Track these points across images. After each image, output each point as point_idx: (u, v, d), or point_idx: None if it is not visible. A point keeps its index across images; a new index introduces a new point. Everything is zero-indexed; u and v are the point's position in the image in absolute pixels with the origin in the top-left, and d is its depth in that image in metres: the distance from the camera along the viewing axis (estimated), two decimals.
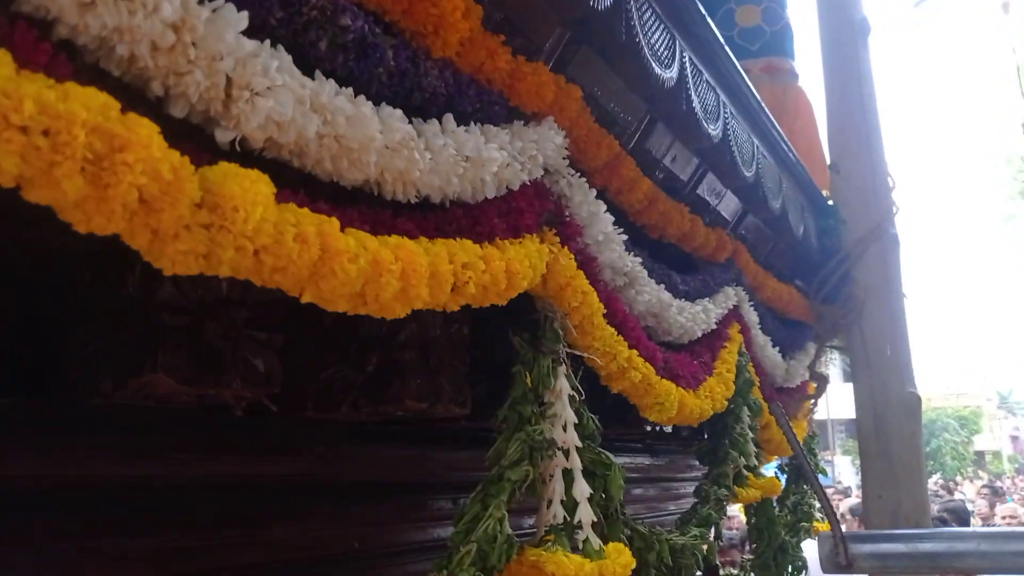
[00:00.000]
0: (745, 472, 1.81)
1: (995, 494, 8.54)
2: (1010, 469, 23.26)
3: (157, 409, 0.96)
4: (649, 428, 1.53)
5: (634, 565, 1.05)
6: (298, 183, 0.74)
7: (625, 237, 1.32)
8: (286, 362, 1.08)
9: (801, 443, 2.53)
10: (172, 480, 1.03)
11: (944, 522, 3.66)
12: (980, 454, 27.72)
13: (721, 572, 2.80)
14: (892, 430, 2.18)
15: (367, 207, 0.81)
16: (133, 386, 0.75)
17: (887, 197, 2.38)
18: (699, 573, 2.53)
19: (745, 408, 1.84)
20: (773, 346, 2.19)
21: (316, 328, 1.08)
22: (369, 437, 1.31)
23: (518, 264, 0.96)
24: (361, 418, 1.08)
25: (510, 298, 0.99)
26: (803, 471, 1.05)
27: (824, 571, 1.00)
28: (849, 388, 2.40)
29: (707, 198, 1.75)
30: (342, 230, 0.72)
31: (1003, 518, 6.40)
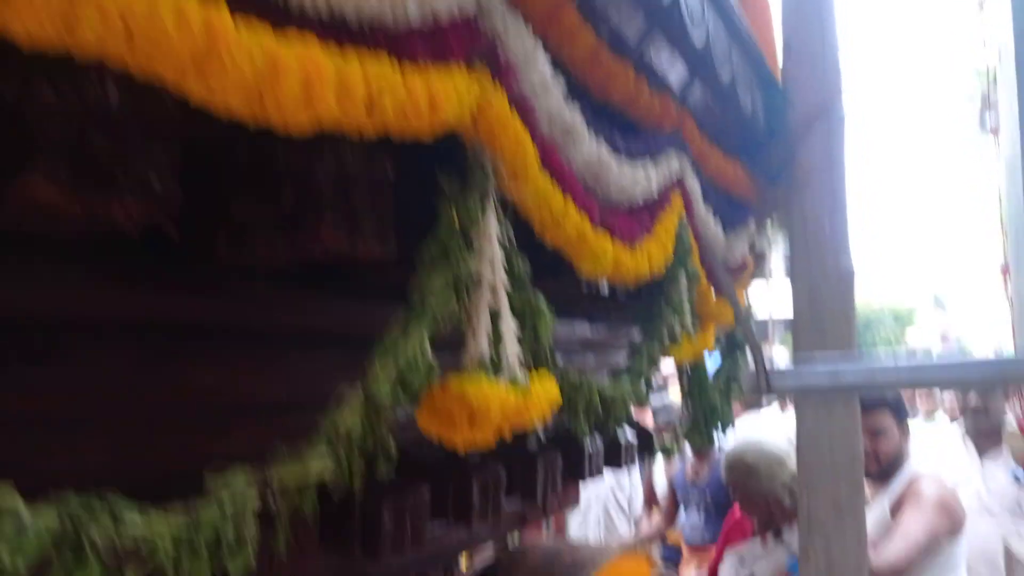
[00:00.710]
0: (680, 333, 1.85)
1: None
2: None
3: (59, 238, 0.92)
4: (586, 290, 1.54)
5: (559, 398, 1.07)
6: None
7: (564, 86, 1.28)
8: (195, 200, 1.05)
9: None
10: (82, 316, 1.00)
11: None
12: (911, 351, 29.20)
13: (656, 441, 2.95)
14: (825, 304, 2.25)
15: (268, 9, 0.76)
16: (11, 196, 0.71)
17: (837, 76, 2.36)
18: (631, 433, 2.65)
19: (683, 272, 1.87)
20: (714, 219, 2.21)
21: (228, 163, 1.04)
22: (295, 284, 1.29)
23: (442, 91, 0.92)
24: (277, 259, 1.06)
25: (436, 131, 0.96)
26: (737, 317, 1.09)
27: (747, 393, 1.03)
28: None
29: (653, 62, 1.70)
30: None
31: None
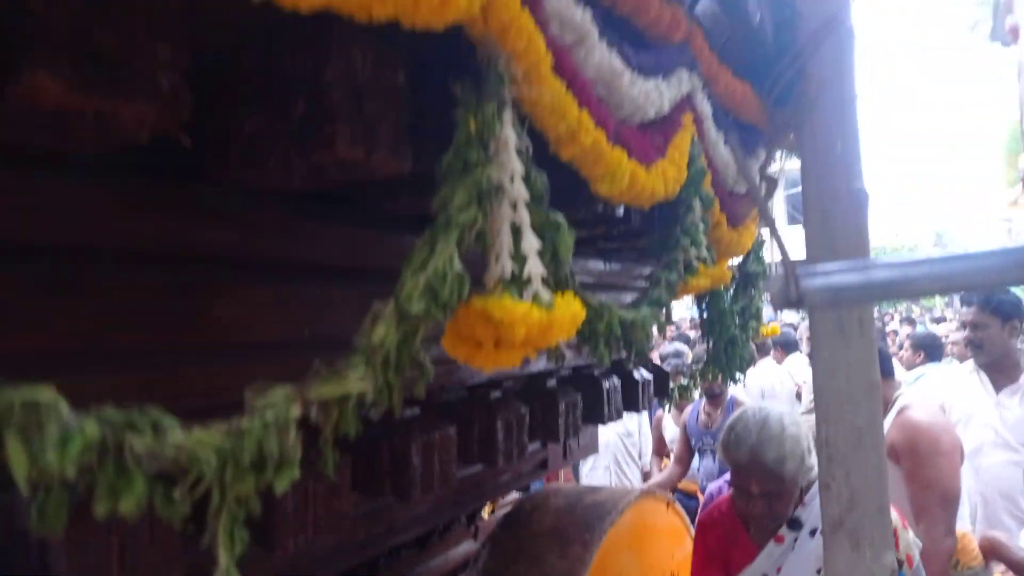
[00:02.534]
0: (696, 263, 1.80)
1: (912, 324, 9.14)
2: (940, 303, 24.73)
3: (66, 156, 0.85)
4: (600, 208, 1.48)
5: (583, 317, 1.02)
6: None
7: None
8: (205, 114, 0.98)
9: (749, 248, 2.56)
10: (89, 240, 0.94)
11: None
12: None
13: (671, 384, 2.91)
14: (839, 226, 2.19)
15: None
16: (12, 95, 0.64)
17: None
18: (649, 376, 2.62)
19: (697, 199, 1.81)
20: (725, 144, 2.14)
21: (236, 71, 0.97)
22: (311, 213, 1.23)
23: None
24: (293, 178, 0.99)
25: (446, 21, 0.88)
26: (765, 221, 1.03)
27: (775, 307, 0.98)
28: (796, 231, 2.40)
29: None
30: None
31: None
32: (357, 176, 1.01)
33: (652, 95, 1.54)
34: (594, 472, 6.41)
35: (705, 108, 1.93)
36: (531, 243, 1.03)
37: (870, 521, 2.13)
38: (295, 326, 1.25)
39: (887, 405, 3.15)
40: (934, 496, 2.94)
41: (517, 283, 1.03)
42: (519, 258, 1.03)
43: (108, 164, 0.92)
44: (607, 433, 6.20)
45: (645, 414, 6.21)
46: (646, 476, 6.19)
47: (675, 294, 1.65)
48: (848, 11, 2.30)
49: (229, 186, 1.03)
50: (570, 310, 1.02)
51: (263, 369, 1.27)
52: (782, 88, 2.33)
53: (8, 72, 0.64)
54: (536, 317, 0.96)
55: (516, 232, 1.03)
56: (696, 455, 5.45)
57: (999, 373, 3.96)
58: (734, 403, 5.15)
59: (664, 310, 1.54)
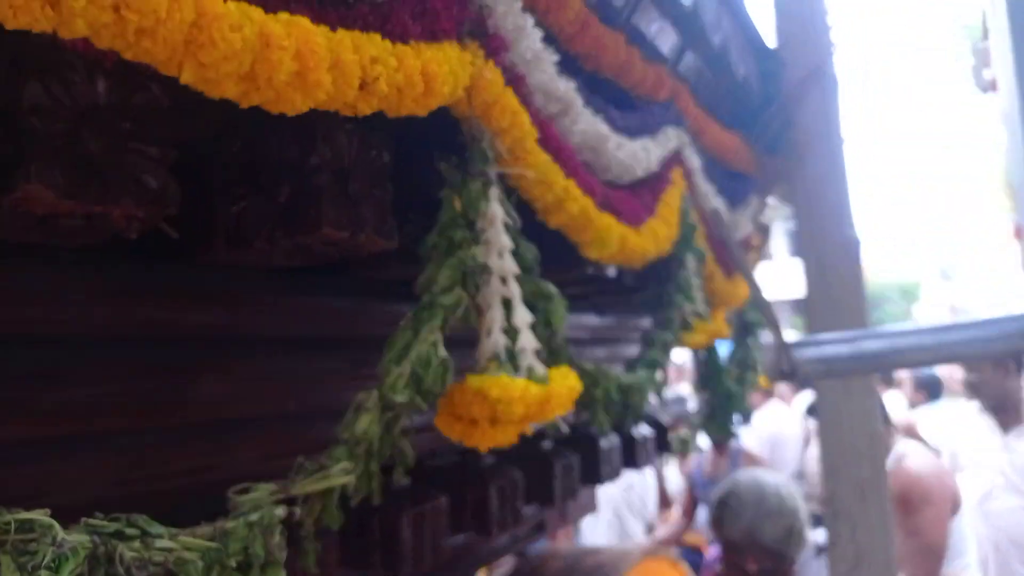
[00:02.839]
0: (691, 318, 1.80)
1: None
2: None
3: (56, 247, 0.85)
4: (591, 270, 1.47)
5: (580, 388, 1.01)
6: None
7: (557, 58, 1.22)
8: (191, 199, 0.98)
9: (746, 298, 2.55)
10: (79, 328, 0.94)
11: None
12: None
13: (670, 434, 2.88)
14: (833, 273, 2.20)
15: None
16: (7, 203, 0.65)
17: (826, 36, 2.31)
18: (648, 432, 2.59)
19: (690, 254, 1.81)
20: (716, 196, 2.15)
21: (222, 157, 0.97)
22: (297, 287, 1.23)
23: (436, 67, 0.86)
24: (278, 256, 0.99)
25: (430, 108, 0.89)
26: (754, 297, 1.02)
27: (770, 379, 0.97)
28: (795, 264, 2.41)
29: (643, 28, 1.64)
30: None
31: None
32: (343, 253, 1.01)
33: (640, 155, 1.55)
34: (595, 527, 6.29)
35: (694, 162, 1.94)
36: (523, 316, 1.03)
37: None
38: (282, 400, 1.23)
39: (1019, 410, 3.09)
40: (916, 546, 2.89)
41: (510, 358, 1.02)
42: (511, 331, 1.02)
43: (94, 251, 0.92)
44: (606, 487, 6.09)
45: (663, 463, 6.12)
46: (650, 529, 6.07)
47: (671, 354, 1.64)
48: (831, 61, 2.34)
49: (215, 266, 1.03)
50: (566, 383, 1.01)
51: (253, 444, 1.27)
52: (771, 137, 2.36)
53: (4, 182, 0.65)
54: (534, 393, 0.95)
55: (507, 306, 1.02)
56: (701, 506, 5.35)
57: (1005, 414, 3.91)
58: (740, 453, 5.08)
59: (661, 371, 1.53)
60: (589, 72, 1.52)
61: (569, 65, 1.45)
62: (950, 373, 6.26)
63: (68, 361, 0.95)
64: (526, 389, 0.91)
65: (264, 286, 1.15)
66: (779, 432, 7.26)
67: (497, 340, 0.98)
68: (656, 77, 1.70)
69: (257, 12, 0.61)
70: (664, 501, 5.91)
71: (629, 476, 6.05)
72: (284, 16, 0.64)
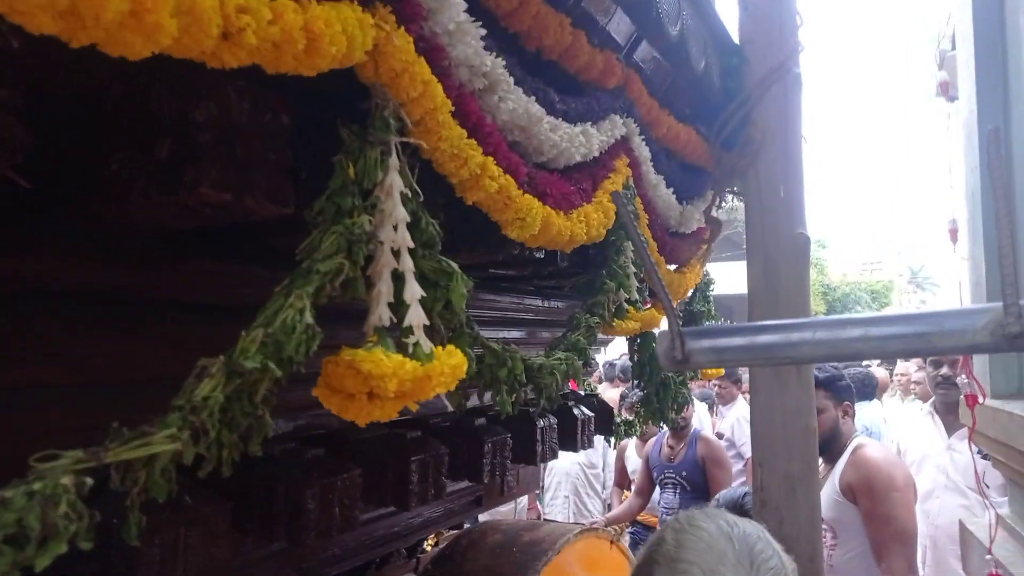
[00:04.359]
0: (626, 305, 1.78)
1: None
2: None
3: None
4: (516, 251, 1.45)
5: (465, 367, 0.99)
6: None
7: (484, 32, 1.19)
8: (65, 150, 0.94)
9: (696, 287, 2.54)
10: None
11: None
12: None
13: (616, 418, 2.88)
14: (780, 270, 2.19)
15: None
16: None
17: (793, 35, 2.28)
18: (590, 414, 2.58)
19: (628, 242, 1.79)
20: (668, 187, 2.13)
21: (105, 107, 0.94)
22: (197, 250, 1.19)
23: (323, 25, 0.82)
24: (164, 216, 0.96)
25: (318, 68, 0.86)
26: (651, 282, 0.99)
27: (664, 368, 0.96)
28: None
29: (594, 13, 1.61)
30: None
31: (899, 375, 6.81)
32: (233, 217, 0.98)
33: (577, 139, 1.52)
34: (554, 502, 6.34)
35: (643, 152, 1.92)
36: (413, 291, 1.00)
37: (801, 572, 2.09)
38: (178, 364, 1.20)
39: (844, 445, 3.15)
40: (892, 532, 2.93)
41: (404, 332, 1.00)
42: (400, 305, 1.00)
43: None
44: (568, 463, 6.14)
45: (610, 445, 6.17)
46: (608, 508, 6.13)
47: (595, 338, 1.62)
48: (796, 59, 2.31)
49: (99, 221, 0.99)
50: (450, 361, 0.99)
51: (144, 407, 1.24)
52: (729, 132, 2.33)
53: None
54: (410, 370, 0.93)
55: (398, 279, 1.00)
56: (658, 488, 5.40)
57: (953, 416, 3.96)
58: (697, 437, 5.12)
59: (581, 355, 1.52)
60: (534, 53, 1.50)
61: (510, 43, 1.42)
62: (905, 370, 6.32)
63: None
64: (400, 365, 0.89)
65: (153, 245, 1.11)
66: (743, 416, 7.29)
67: (383, 314, 0.95)
68: (605, 63, 1.66)
69: None
70: (622, 480, 5.96)
71: (591, 454, 6.09)
72: None
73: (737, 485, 3.71)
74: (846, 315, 0.93)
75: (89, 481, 0.61)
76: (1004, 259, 0.66)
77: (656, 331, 1.96)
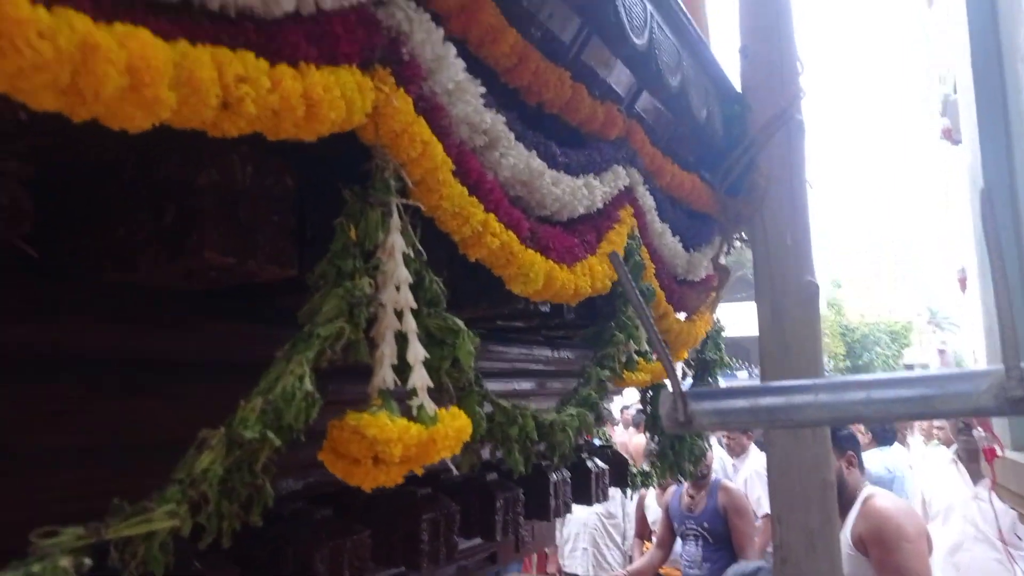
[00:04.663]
0: (636, 357, 1.76)
1: None
2: None
3: None
4: (521, 305, 1.44)
5: (470, 430, 0.97)
6: None
7: (484, 91, 1.20)
8: (77, 218, 0.95)
9: (706, 335, 2.52)
10: None
11: None
12: (909, 367, 29.22)
13: (632, 468, 2.83)
14: (789, 319, 2.17)
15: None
16: None
17: (794, 81, 2.30)
18: (604, 466, 2.54)
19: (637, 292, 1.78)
20: (673, 235, 2.13)
21: (110, 179, 0.95)
22: (209, 310, 1.19)
23: (322, 91, 0.83)
24: (171, 279, 0.96)
25: (319, 133, 0.87)
26: (650, 339, 0.97)
27: (665, 429, 0.94)
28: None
29: (594, 67, 1.63)
30: (48, 8, 0.58)
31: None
32: (238, 280, 0.98)
33: (580, 192, 1.53)
34: (574, 554, 6.20)
35: (647, 201, 1.92)
36: (417, 353, 0.99)
37: None
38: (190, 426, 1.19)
39: (854, 497, 3.07)
40: None
41: (411, 395, 0.99)
42: (405, 369, 0.99)
43: None
44: (586, 513, 6.02)
45: (629, 494, 6.05)
46: (628, 559, 5.97)
47: (607, 392, 1.60)
48: (798, 105, 2.33)
49: (108, 285, 1.00)
50: (455, 424, 0.98)
51: (145, 470, 1.22)
52: (733, 179, 2.34)
53: None
54: (414, 434, 0.91)
55: (401, 340, 0.99)
56: (679, 539, 5.27)
57: (976, 464, 3.86)
58: (718, 486, 5.01)
59: (593, 409, 1.49)
60: (534, 106, 1.51)
61: (510, 98, 1.44)
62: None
63: None
64: (406, 430, 0.88)
65: (162, 307, 1.11)
66: (758, 469, 7.15)
67: (386, 376, 0.94)
68: (606, 115, 1.68)
69: (82, 20, 0.58)
70: (643, 531, 5.81)
71: (609, 504, 5.97)
72: (120, 27, 0.62)
73: (750, 564, 3.58)
74: (849, 377, 0.91)
75: (88, 562, 0.59)
76: (1003, 321, 0.65)
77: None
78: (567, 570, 6.05)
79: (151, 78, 0.62)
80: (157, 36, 0.67)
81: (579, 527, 6.16)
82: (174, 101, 0.65)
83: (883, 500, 3.06)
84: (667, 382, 0.99)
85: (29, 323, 0.97)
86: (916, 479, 4.96)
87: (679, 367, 2.80)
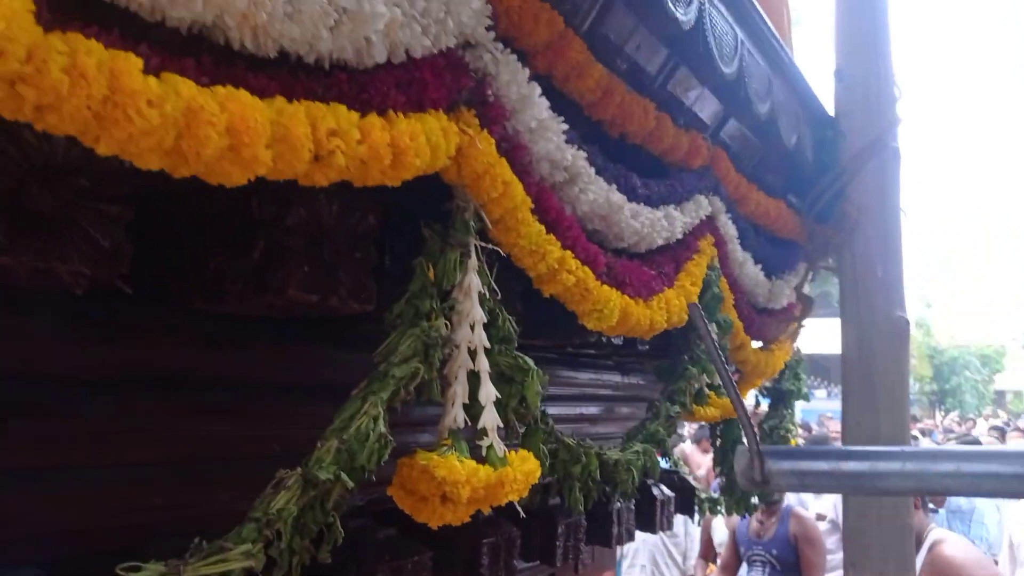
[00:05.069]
0: (707, 391, 1.73)
1: (1003, 434, 8.46)
2: None
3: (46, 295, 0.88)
4: (593, 339, 1.43)
5: (538, 473, 0.98)
6: (115, 22, 0.63)
7: (566, 127, 1.20)
8: (172, 250, 1.00)
9: (785, 365, 2.44)
10: (65, 370, 0.97)
11: None
12: (1001, 393, 27.55)
13: (699, 494, 2.77)
14: (877, 355, 2.08)
15: (212, 58, 0.70)
16: None
17: (891, 108, 2.20)
18: (671, 494, 2.49)
19: (713, 325, 1.74)
20: (756, 263, 2.07)
21: (204, 214, 0.99)
22: (282, 336, 1.23)
23: (409, 139, 0.85)
24: (250, 310, 1.00)
25: (403, 179, 0.89)
26: (732, 401, 0.95)
27: (741, 487, 0.91)
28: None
29: (679, 96, 1.60)
30: (157, 75, 0.62)
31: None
32: (320, 313, 1.01)
33: (660, 224, 1.51)
34: (631, 571, 6.10)
35: (729, 230, 1.88)
36: (488, 392, 1.00)
37: None
38: (266, 441, 1.24)
39: (919, 540, 2.91)
40: None
41: (478, 435, 1.00)
42: (476, 408, 1.00)
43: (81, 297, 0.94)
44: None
45: (693, 521, 5.92)
46: None
47: (675, 428, 1.58)
48: (894, 133, 2.23)
49: (191, 311, 1.05)
50: (524, 468, 0.98)
51: (232, 484, 1.28)
52: (823, 206, 2.26)
53: None
54: (483, 477, 0.92)
55: (473, 379, 1.00)
56: (744, 565, 5.13)
57: None
58: (790, 513, 4.85)
59: (660, 445, 1.47)
60: (616, 137, 1.50)
61: (592, 130, 1.43)
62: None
63: (46, 397, 0.97)
64: (475, 472, 0.89)
65: (255, 334, 1.16)
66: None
67: (457, 415, 0.95)
68: (690, 144, 1.65)
69: (187, 86, 0.61)
70: (707, 552, 5.65)
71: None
72: (221, 90, 0.64)
73: None
74: (939, 447, 0.87)
75: None
76: None
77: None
78: None
79: (250, 139, 0.65)
80: (255, 94, 0.70)
81: (639, 543, 6.05)
82: (270, 158, 0.68)
83: (952, 548, 2.87)
84: (743, 439, 0.96)
85: (113, 344, 1.03)
86: (1002, 515, 4.67)
87: (751, 396, 2.73)
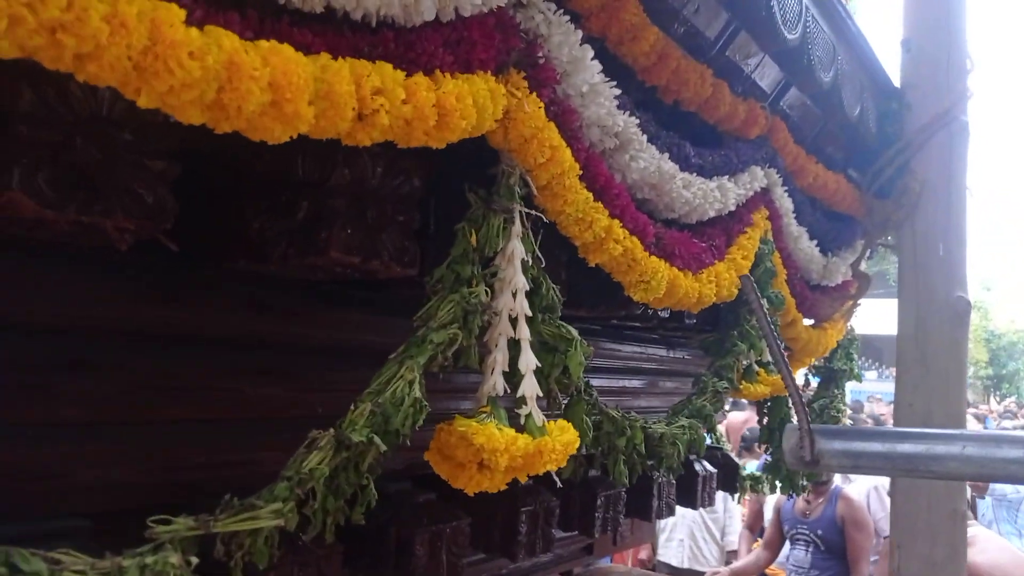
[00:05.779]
0: (756, 367, 1.68)
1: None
2: None
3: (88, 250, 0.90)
4: (640, 311, 1.40)
5: (577, 443, 0.96)
6: None
7: (618, 92, 1.16)
8: (216, 210, 1.00)
9: (837, 344, 2.37)
10: (103, 323, 0.98)
11: None
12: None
13: (742, 472, 2.73)
14: (934, 335, 2.00)
15: (256, 12, 0.69)
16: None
17: (962, 81, 2.09)
18: (713, 470, 2.46)
19: (764, 300, 1.69)
20: (811, 239, 2.00)
21: (249, 175, 0.99)
22: (328, 299, 1.24)
23: (455, 101, 0.83)
24: (293, 271, 1.00)
25: (448, 140, 0.87)
26: (784, 381, 0.92)
27: (789, 466, 0.89)
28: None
29: (738, 62, 1.54)
30: (200, 27, 0.60)
31: None
32: (362, 275, 1.00)
33: (712, 195, 1.46)
34: (669, 544, 6.08)
35: (785, 203, 1.81)
36: (529, 361, 0.98)
37: None
38: (311, 403, 1.25)
39: None
40: None
41: (518, 402, 0.98)
42: (516, 376, 0.99)
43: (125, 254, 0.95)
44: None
45: (734, 499, 5.85)
46: (731, 555, 5.80)
47: (721, 404, 1.54)
48: (964, 106, 2.12)
49: (238, 273, 1.05)
50: (563, 438, 0.97)
51: (276, 444, 1.29)
52: (884, 181, 2.17)
53: None
54: (521, 445, 0.91)
55: (514, 347, 0.99)
56: (788, 542, 5.06)
57: None
58: (838, 495, 4.76)
59: (706, 421, 1.44)
60: (669, 105, 1.45)
61: (645, 96, 1.38)
62: None
63: (92, 353, 0.99)
64: (513, 440, 0.88)
65: (291, 295, 1.16)
66: (881, 483, 6.71)
67: (497, 383, 0.94)
68: (748, 113, 1.59)
69: (230, 39, 0.60)
70: (754, 524, 5.57)
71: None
72: (264, 44, 0.63)
73: None
74: (1003, 432, 0.82)
75: (195, 560, 0.63)
76: None
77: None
78: (661, 559, 5.94)
79: (292, 94, 0.63)
80: (300, 50, 0.68)
81: (677, 517, 6.02)
82: (312, 115, 0.66)
83: (983, 547, 2.74)
84: (793, 418, 0.93)
85: (159, 304, 1.04)
86: None
87: (802, 374, 2.66)
